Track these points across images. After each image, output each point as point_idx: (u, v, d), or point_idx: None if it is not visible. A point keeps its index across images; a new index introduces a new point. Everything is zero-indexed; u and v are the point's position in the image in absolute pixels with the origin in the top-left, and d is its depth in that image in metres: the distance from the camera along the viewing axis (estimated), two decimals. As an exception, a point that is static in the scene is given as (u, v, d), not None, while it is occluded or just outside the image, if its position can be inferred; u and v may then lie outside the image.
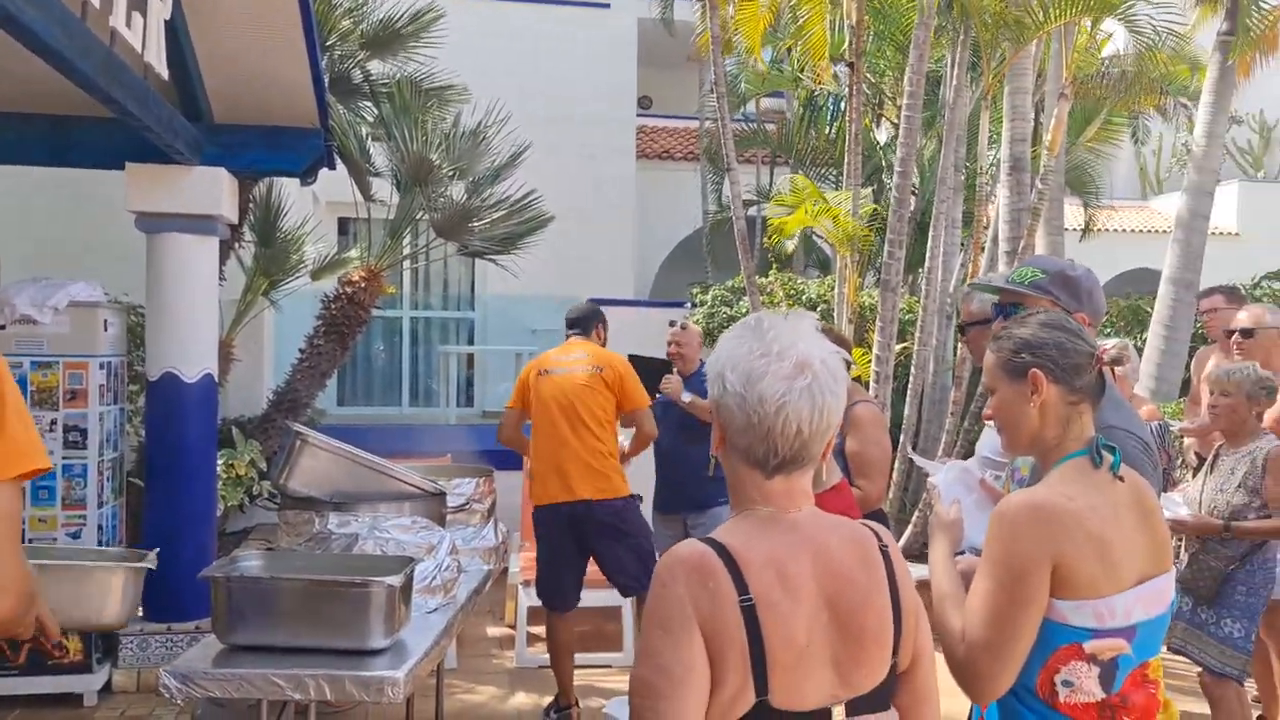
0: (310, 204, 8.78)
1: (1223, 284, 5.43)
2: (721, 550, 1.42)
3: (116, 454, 5.27)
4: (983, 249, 7.58)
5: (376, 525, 3.44)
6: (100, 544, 5.00)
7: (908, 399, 6.52)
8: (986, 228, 7.57)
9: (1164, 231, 18.46)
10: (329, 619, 2.92)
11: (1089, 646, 1.80)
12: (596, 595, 5.84)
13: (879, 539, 1.55)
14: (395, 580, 2.94)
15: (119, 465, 5.30)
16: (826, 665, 1.44)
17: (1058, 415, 1.93)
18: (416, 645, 3.23)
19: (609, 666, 5.61)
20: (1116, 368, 2.14)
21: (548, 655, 5.72)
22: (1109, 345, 1.99)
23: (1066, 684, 1.81)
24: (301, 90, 4.96)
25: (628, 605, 5.77)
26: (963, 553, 2.17)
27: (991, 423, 2.16)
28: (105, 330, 5.09)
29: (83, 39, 3.28)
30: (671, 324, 5.53)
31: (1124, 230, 17.62)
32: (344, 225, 10.93)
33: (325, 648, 2.91)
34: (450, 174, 5.65)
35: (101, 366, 5.06)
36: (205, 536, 5.21)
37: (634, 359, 5.27)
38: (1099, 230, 13.51)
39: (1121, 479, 1.88)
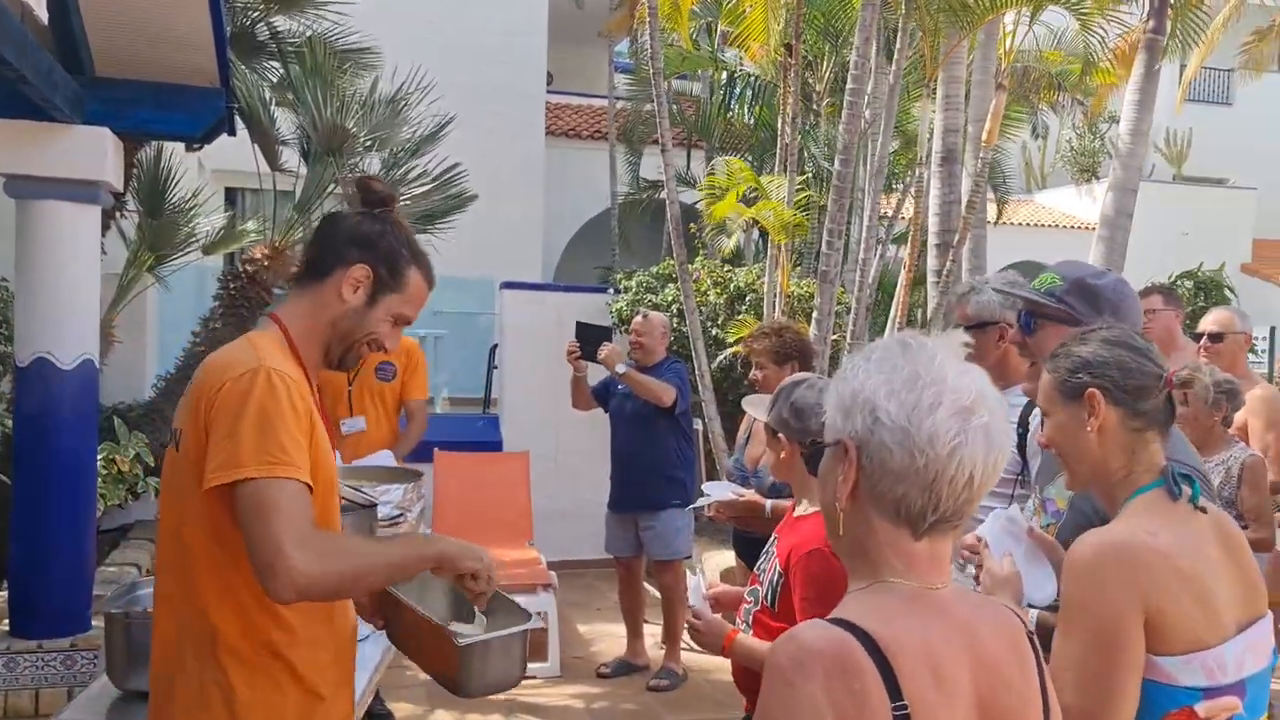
0: (195, 170, 8.09)
1: (1160, 283, 5.39)
2: (865, 639, 1.12)
3: (-22, 449, 4.66)
4: (902, 240, 7.47)
5: (300, 543, 3.01)
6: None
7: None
8: (906, 219, 7.46)
9: (1050, 225, 19.01)
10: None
11: (1202, 709, 1.57)
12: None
13: (1024, 624, 1.29)
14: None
15: (-19, 461, 4.69)
16: None
17: (1120, 443, 1.71)
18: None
19: (534, 678, 5.26)
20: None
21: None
22: (1179, 367, 1.78)
23: None
24: (201, 44, 4.41)
25: (552, 609, 5.43)
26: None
27: (1047, 450, 1.93)
28: (-34, 309, 4.47)
29: (-51, -34, 2.74)
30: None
31: (1012, 223, 18.01)
32: (232, 196, 10.19)
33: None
34: (368, 144, 5.17)
35: (-38, 350, 4.43)
36: (83, 543, 4.64)
37: (579, 325, 5.18)
38: (1000, 223, 13.73)
39: (1204, 510, 1.68)
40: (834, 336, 6.43)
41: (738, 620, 2.59)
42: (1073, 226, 18.74)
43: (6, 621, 4.67)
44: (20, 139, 4.41)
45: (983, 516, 2.11)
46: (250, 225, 6.18)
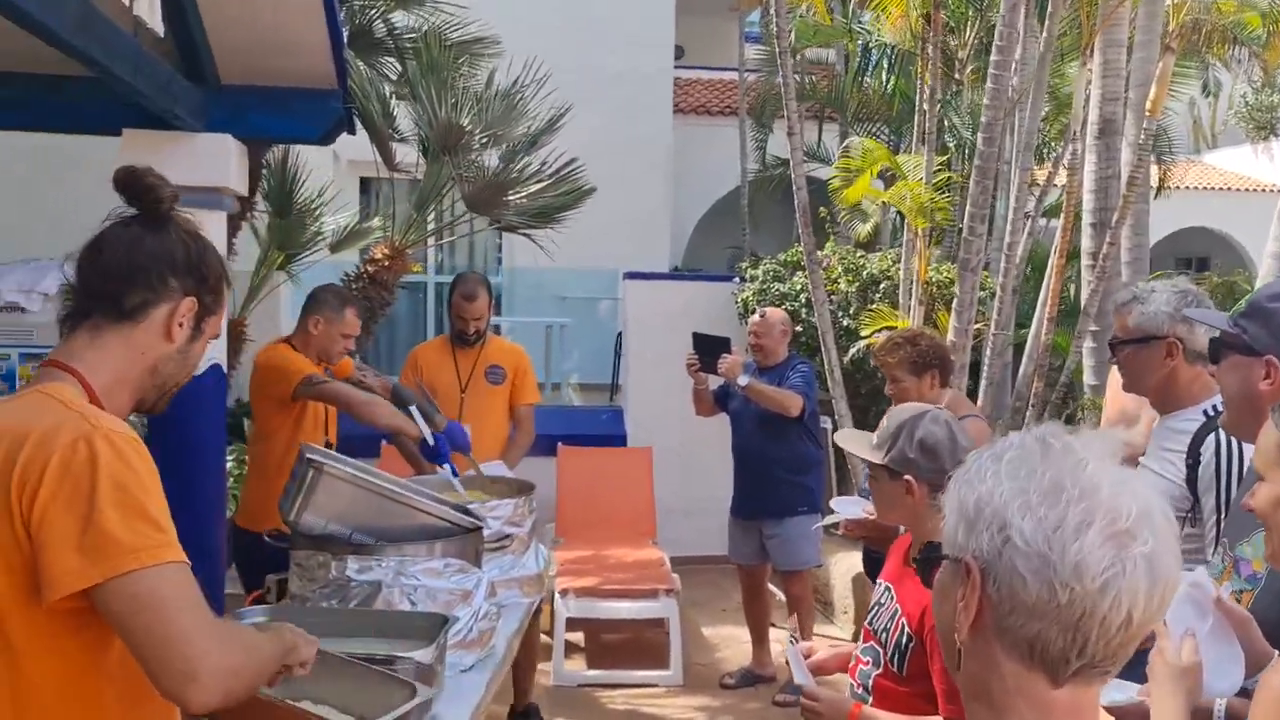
0: (330, 163, 8.20)
1: None
2: None
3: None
4: (1055, 213, 6.91)
5: (402, 569, 2.92)
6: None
7: (982, 390, 5.91)
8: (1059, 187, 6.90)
9: (1222, 189, 17.60)
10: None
11: None
12: (635, 606, 5.35)
13: None
14: (426, 656, 2.45)
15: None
16: None
17: None
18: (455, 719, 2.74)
19: (656, 686, 5.11)
20: None
21: (590, 672, 5.27)
22: None
23: None
24: (317, 47, 4.38)
25: (674, 614, 5.27)
26: None
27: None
28: (101, 317, 4.57)
29: (47, -11, 2.72)
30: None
31: (1180, 187, 16.75)
32: (366, 185, 10.36)
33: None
34: (484, 140, 5.06)
35: (97, 358, 4.54)
36: (214, 544, 4.74)
37: (696, 336, 4.98)
38: (1163, 189, 12.76)
39: None
40: (977, 325, 6.01)
41: (852, 683, 2.36)
42: (1248, 189, 17.33)
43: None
44: (148, 149, 4.45)
45: None
46: (375, 221, 6.20)
